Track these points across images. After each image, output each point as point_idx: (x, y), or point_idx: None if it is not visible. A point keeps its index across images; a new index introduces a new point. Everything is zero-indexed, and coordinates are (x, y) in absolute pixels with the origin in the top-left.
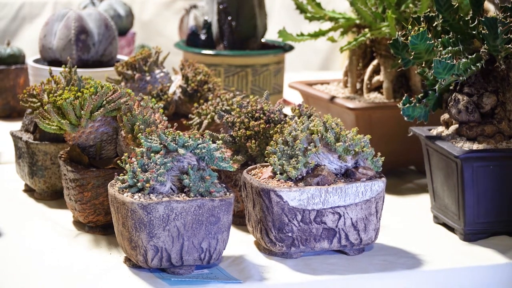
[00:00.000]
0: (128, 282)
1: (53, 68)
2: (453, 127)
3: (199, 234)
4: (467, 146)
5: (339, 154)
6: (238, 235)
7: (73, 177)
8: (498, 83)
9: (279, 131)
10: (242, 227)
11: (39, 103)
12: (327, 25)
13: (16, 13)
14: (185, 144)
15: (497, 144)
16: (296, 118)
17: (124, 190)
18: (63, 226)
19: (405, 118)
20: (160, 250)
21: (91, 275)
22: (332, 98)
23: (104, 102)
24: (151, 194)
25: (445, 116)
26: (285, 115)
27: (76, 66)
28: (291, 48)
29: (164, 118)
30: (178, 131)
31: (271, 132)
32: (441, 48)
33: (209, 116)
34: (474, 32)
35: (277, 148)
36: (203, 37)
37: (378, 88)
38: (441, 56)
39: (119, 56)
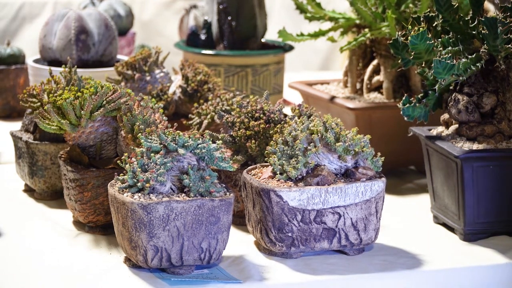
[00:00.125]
0: (128, 282)
1: (53, 68)
2: (453, 127)
3: (199, 234)
4: (467, 146)
5: (339, 154)
6: (238, 235)
7: (73, 177)
8: (498, 83)
9: (279, 131)
10: (242, 227)
11: (39, 103)
12: (327, 25)
13: (16, 13)
14: (185, 144)
15: (497, 144)
16: (296, 118)
17: (124, 190)
18: (63, 226)
19: (405, 118)
20: (160, 250)
21: (91, 275)
22: (332, 98)
23: (104, 102)
24: (151, 194)
25: (445, 116)
26: (285, 115)
27: (76, 66)
28: (291, 48)
29: (164, 118)
30: (178, 131)
31: (271, 132)
32: (441, 48)
33: (209, 116)
34: (474, 32)
35: (277, 148)
36: (203, 37)
37: (378, 88)
38: (441, 56)
39: (119, 56)
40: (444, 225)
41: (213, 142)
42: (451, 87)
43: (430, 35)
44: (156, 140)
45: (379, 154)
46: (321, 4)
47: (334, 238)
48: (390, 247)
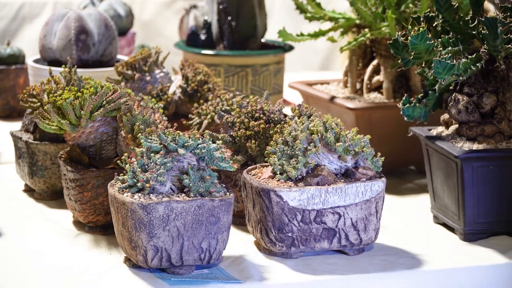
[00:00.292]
0: (128, 282)
1: (53, 68)
2: (453, 127)
3: (199, 234)
4: (467, 146)
5: (339, 154)
6: (238, 235)
7: (73, 177)
8: (498, 83)
9: (279, 131)
10: (242, 227)
11: (39, 103)
12: (327, 25)
13: (16, 13)
14: (185, 144)
15: (497, 144)
16: (296, 118)
17: (124, 190)
18: (63, 226)
19: (405, 118)
20: (160, 250)
21: (91, 275)
22: (332, 98)
23: (104, 102)
24: (151, 194)
25: (445, 116)
26: (285, 115)
27: (76, 66)
28: (291, 48)
29: (164, 118)
30: (178, 131)
31: (271, 132)
32: (441, 48)
33: (209, 116)
34: (474, 32)
35: (277, 148)
36: (203, 37)
37: (378, 88)
38: (441, 56)
39: (119, 56)
40: (444, 225)
41: (213, 142)
42: (451, 87)
43: (430, 35)
44: (156, 140)
45: (379, 154)
46: (321, 4)
47: (334, 238)
48: (390, 247)
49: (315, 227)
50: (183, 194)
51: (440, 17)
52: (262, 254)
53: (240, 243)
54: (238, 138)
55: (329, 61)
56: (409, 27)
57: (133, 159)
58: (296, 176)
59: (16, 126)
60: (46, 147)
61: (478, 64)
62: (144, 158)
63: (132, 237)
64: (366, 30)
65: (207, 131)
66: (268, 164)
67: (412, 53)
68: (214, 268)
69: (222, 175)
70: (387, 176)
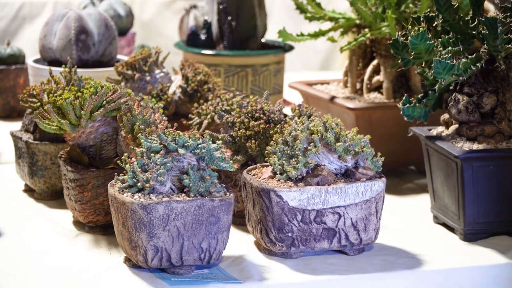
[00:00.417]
0: (128, 282)
1: (53, 68)
2: (453, 127)
3: (199, 234)
4: (467, 146)
5: (339, 154)
6: (238, 235)
7: (73, 177)
8: (498, 83)
9: (279, 131)
10: (242, 227)
11: (39, 103)
12: (327, 25)
13: (16, 13)
14: (185, 144)
15: (497, 144)
16: (296, 118)
17: (124, 190)
18: (63, 226)
19: (405, 118)
20: (160, 250)
21: (91, 275)
22: (332, 98)
23: (104, 102)
24: (151, 194)
25: (445, 116)
26: (285, 115)
27: (76, 66)
28: (291, 48)
29: (164, 118)
30: (178, 131)
31: (271, 132)
32: (441, 48)
33: (209, 116)
34: (474, 32)
35: (277, 148)
36: (203, 37)
37: (378, 88)
38: (441, 56)
39: (119, 56)
40: (444, 225)
41: (213, 142)
42: (451, 87)
43: (430, 35)
44: (156, 140)
45: (379, 154)
46: (321, 4)
47: (334, 238)
48: (390, 247)
49: (315, 227)
50: (183, 194)
51: (440, 17)
52: (262, 254)
53: (240, 243)
54: (238, 138)
55: (329, 61)
56: (409, 27)
57: (133, 159)
58: (296, 176)
59: (16, 126)
60: (46, 147)
61: (478, 64)
62: (144, 158)
63: (132, 237)
64: (366, 30)
65: (207, 131)
66: (268, 164)
67: (412, 53)
68: (214, 268)
69: (222, 175)
70: (387, 176)
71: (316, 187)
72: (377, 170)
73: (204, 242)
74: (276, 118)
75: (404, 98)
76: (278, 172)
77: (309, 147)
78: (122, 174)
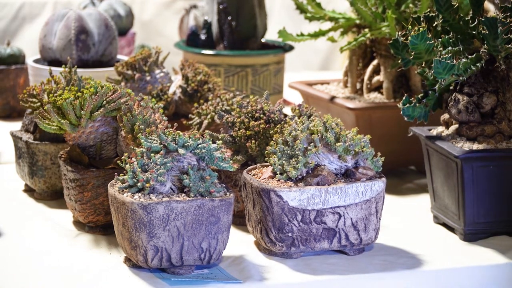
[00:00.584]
0: (128, 282)
1: (53, 68)
2: (453, 127)
3: (199, 234)
4: (467, 146)
5: (339, 154)
6: (238, 235)
7: (73, 177)
8: (498, 83)
9: (279, 131)
10: (242, 227)
11: (39, 103)
12: (327, 25)
13: (16, 13)
14: (185, 144)
15: (497, 144)
16: (296, 118)
17: (124, 190)
18: (63, 226)
19: (405, 118)
20: (160, 250)
21: (91, 275)
22: (332, 98)
23: (104, 102)
24: (151, 194)
25: (445, 116)
26: (285, 115)
27: (76, 66)
28: (291, 48)
29: (164, 118)
30: (178, 131)
31: (271, 132)
32: (441, 48)
33: (209, 116)
34: (474, 32)
35: (277, 148)
36: (203, 37)
37: (378, 88)
38: (441, 56)
39: (119, 56)
40: (444, 225)
41: (213, 142)
42: (451, 87)
43: (430, 35)
44: (156, 140)
45: (379, 154)
46: (321, 4)
47: (334, 238)
48: (390, 247)
49: (315, 227)
50: (183, 194)
51: (440, 17)
52: (262, 254)
53: (240, 243)
54: (238, 138)
55: (329, 61)
56: (409, 27)
57: (133, 159)
58: (296, 176)
59: (16, 126)
60: (46, 147)
61: (478, 64)
62: (144, 158)
63: (132, 237)
64: (366, 30)
65: (207, 131)
66: (268, 164)
67: (412, 53)
68: (214, 268)
69: (222, 175)
70: (387, 176)
71: (316, 187)
72: (377, 170)
73: (204, 242)
74: (276, 118)
75: (404, 98)
76: (278, 172)
77: (309, 147)
78: (122, 174)
